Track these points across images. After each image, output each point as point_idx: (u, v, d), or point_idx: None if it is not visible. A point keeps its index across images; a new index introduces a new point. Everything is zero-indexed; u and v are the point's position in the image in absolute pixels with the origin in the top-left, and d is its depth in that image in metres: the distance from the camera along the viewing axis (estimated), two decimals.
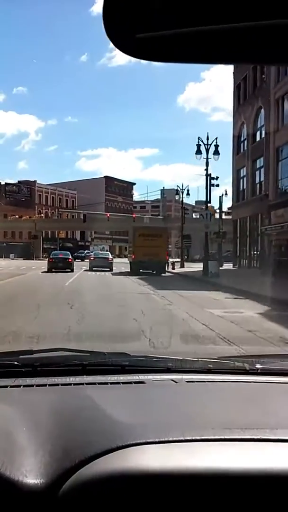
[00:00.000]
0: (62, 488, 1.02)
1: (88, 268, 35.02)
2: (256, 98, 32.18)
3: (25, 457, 1.10)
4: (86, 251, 79.10)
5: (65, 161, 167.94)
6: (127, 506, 1.01)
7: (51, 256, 34.56)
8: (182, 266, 40.00)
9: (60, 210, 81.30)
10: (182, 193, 41.67)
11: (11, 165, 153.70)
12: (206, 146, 27.19)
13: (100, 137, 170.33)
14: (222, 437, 1.19)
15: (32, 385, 1.68)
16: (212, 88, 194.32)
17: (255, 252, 33.23)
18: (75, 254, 76.05)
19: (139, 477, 1.03)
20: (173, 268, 36.78)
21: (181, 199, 42.56)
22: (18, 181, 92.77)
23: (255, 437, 1.19)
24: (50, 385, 1.68)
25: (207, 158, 27.18)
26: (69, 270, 31.68)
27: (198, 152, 27.18)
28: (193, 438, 1.17)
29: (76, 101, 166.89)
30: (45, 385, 1.68)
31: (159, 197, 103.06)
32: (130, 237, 36.27)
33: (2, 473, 1.04)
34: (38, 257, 65.95)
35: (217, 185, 35.72)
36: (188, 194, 41.24)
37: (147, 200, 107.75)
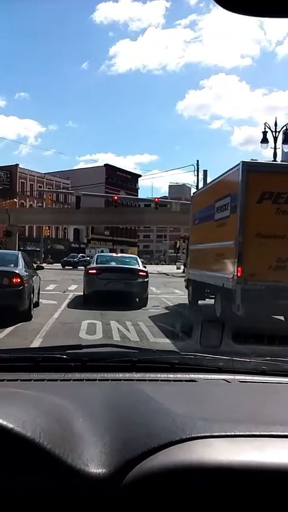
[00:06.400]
0: (125, 478, 1.01)
1: (81, 293, 14.99)
2: None
3: (85, 446, 1.08)
4: (81, 254, 58.33)
5: (63, 165, 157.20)
6: (194, 499, 1.00)
7: None
8: None
9: (40, 190, 59.49)
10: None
11: None
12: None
13: (99, 142, 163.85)
14: None
15: (81, 380, 1.68)
16: (211, 96, 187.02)
17: None
18: (64, 259, 52.25)
19: (206, 470, 1.01)
20: None
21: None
22: None
23: None
24: (100, 380, 1.69)
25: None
26: (22, 312, 10.22)
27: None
28: (262, 433, 1.14)
29: (77, 107, 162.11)
30: (95, 379, 1.68)
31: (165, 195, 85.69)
32: (204, 209, 13.66)
33: (64, 460, 1.02)
34: None
35: None
36: (286, 141, 21.17)
37: (155, 197, 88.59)
